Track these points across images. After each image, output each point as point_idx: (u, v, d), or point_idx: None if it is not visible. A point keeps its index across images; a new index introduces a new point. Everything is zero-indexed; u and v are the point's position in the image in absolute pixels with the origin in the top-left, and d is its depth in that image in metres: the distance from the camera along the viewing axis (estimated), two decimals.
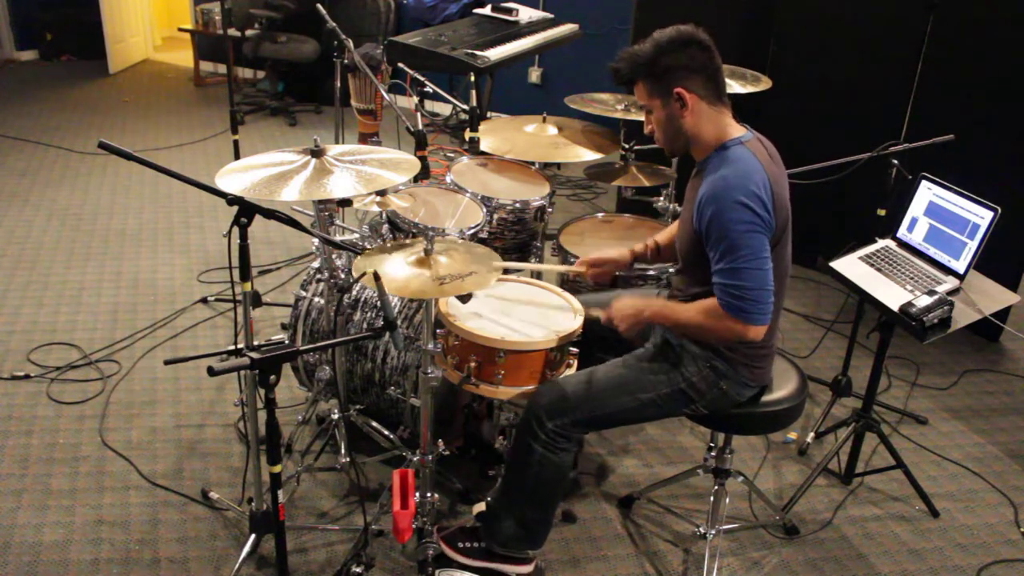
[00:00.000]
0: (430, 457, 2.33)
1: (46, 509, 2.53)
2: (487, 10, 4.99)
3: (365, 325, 2.65)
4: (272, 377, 1.73)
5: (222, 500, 2.56)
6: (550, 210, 2.89)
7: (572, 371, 2.31)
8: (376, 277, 1.87)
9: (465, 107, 3.04)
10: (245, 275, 2.11)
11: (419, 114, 2.86)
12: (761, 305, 1.96)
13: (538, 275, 3.03)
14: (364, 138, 5.07)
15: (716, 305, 1.99)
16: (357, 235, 2.79)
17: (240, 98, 6.52)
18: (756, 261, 1.94)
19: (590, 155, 2.97)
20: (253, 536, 2.36)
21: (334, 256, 2.53)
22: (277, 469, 1.84)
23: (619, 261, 2.46)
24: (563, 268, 2.71)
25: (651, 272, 2.72)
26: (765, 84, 3.36)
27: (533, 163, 3.10)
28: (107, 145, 1.88)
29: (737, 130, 2.07)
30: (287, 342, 2.85)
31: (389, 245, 2.25)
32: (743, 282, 1.94)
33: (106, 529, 2.47)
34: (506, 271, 2.51)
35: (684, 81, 2.02)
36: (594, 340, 2.39)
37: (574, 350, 2.32)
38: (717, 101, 2.05)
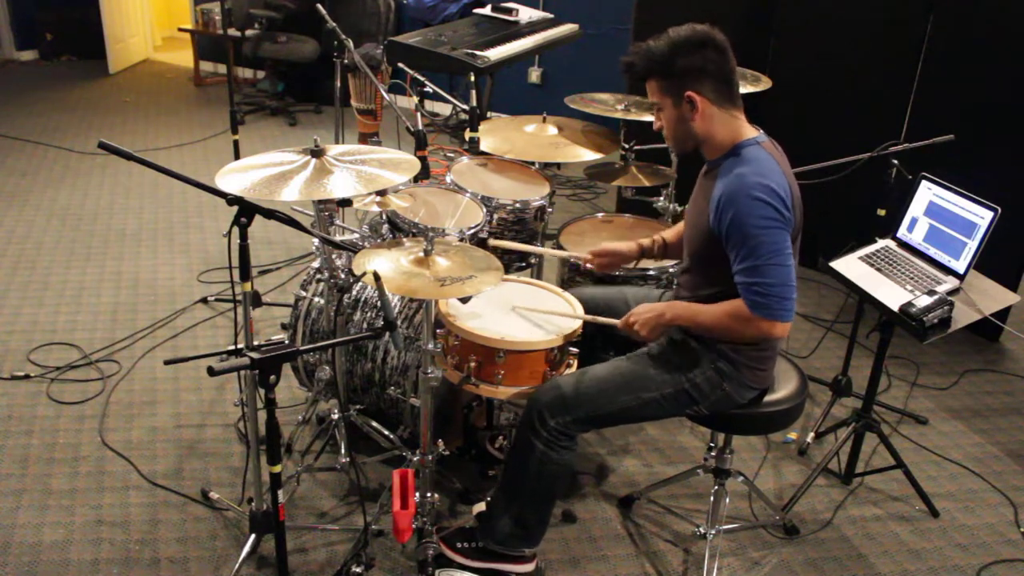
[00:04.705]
0: (430, 457, 2.33)
1: (46, 509, 2.53)
2: (487, 10, 4.99)
3: (365, 325, 2.65)
4: (272, 377, 1.73)
5: (222, 500, 2.56)
6: (550, 210, 2.88)
7: (572, 371, 2.31)
8: (376, 277, 1.87)
9: (465, 107, 3.04)
10: (245, 275, 2.11)
11: (419, 114, 2.86)
12: (785, 301, 1.95)
13: (539, 269, 3.03)
14: (364, 138, 5.08)
15: (741, 306, 1.98)
16: (357, 235, 2.79)
17: (240, 98, 6.52)
18: (778, 257, 1.93)
19: (590, 155, 2.97)
20: (253, 536, 2.36)
21: (334, 256, 2.53)
22: (277, 469, 1.84)
23: (626, 254, 2.45)
24: (566, 254, 2.70)
25: (651, 272, 2.72)
26: (765, 84, 3.36)
27: (533, 163, 3.11)
28: (107, 145, 1.88)
29: (751, 131, 2.06)
30: (287, 342, 2.85)
31: (388, 243, 2.25)
32: (766, 279, 1.93)
33: (106, 529, 2.47)
34: (507, 270, 2.51)
35: (696, 84, 2.00)
36: (595, 340, 2.40)
37: (574, 350, 2.32)
38: (729, 104, 2.04)
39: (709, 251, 2.05)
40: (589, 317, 2.32)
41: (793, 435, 3.05)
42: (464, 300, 2.28)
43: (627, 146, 3.15)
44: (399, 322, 2.57)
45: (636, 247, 2.45)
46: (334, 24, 3.30)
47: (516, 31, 4.69)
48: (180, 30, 7.35)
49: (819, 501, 2.76)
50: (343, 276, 2.55)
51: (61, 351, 3.32)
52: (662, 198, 3.29)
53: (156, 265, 4.06)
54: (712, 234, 2.02)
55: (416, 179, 2.61)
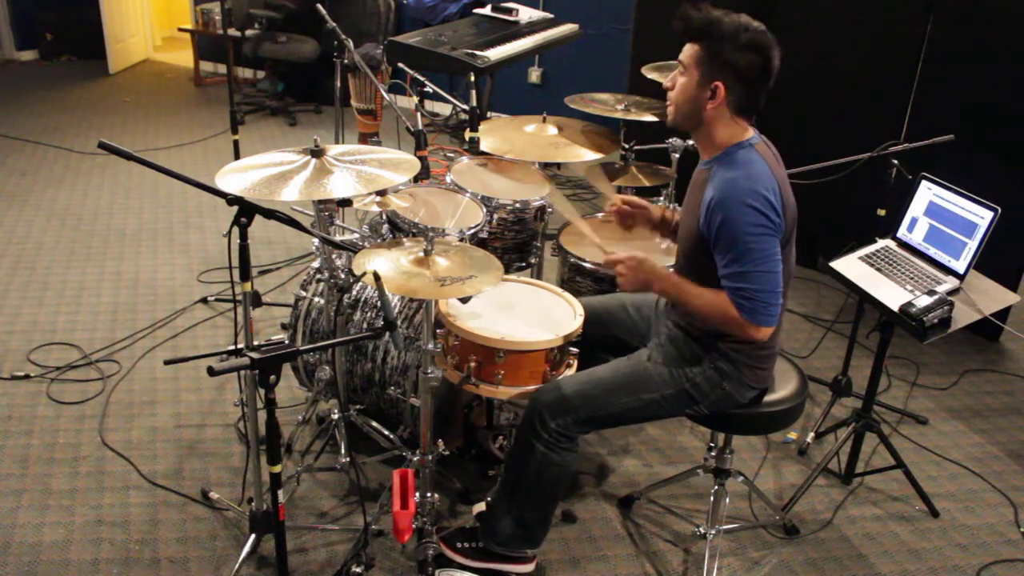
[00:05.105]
0: (430, 457, 2.33)
1: (46, 509, 2.53)
2: (487, 10, 4.98)
3: (365, 325, 2.65)
4: (272, 377, 1.73)
5: (222, 500, 2.56)
6: (550, 210, 2.89)
7: (572, 371, 2.31)
8: (376, 277, 1.87)
9: (465, 107, 3.04)
10: (245, 275, 2.11)
11: (419, 114, 2.86)
12: (770, 307, 1.96)
13: (539, 269, 3.03)
14: (364, 138, 5.08)
15: (728, 301, 1.98)
16: (357, 235, 2.80)
17: (240, 98, 6.52)
18: (766, 264, 1.94)
19: (590, 155, 2.97)
20: (253, 536, 2.36)
21: (334, 256, 2.53)
22: (277, 469, 1.84)
23: (651, 212, 2.40)
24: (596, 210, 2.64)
25: None
26: None
27: (533, 163, 3.10)
28: (107, 145, 1.88)
29: (747, 134, 2.06)
30: (287, 342, 2.85)
31: (388, 243, 2.25)
32: (752, 285, 1.94)
33: (106, 529, 2.47)
34: (507, 270, 2.50)
35: (729, 80, 1.98)
36: (595, 340, 2.40)
37: (574, 350, 2.32)
38: (744, 116, 2.04)
39: (700, 253, 2.05)
40: (578, 305, 2.31)
41: (793, 435, 3.05)
42: (464, 300, 2.28)
43: (627, 146, 3.15)
44: (399, 322, 2.57)
45: (659, 210, 2.41)
46: (334, 24, 3.30)
47: (516, 31, 4.69)
48: (180, 30, 7.35)
49: (819, 501, 2.76)
50: (343, 276, 2.55)
51: (61, 351, 3.32)
52: (662, 198, 3.29)
53: (156, 265, 4.06)
54: (702, 236, 2.02)
55: (416, 179, 2.61)
